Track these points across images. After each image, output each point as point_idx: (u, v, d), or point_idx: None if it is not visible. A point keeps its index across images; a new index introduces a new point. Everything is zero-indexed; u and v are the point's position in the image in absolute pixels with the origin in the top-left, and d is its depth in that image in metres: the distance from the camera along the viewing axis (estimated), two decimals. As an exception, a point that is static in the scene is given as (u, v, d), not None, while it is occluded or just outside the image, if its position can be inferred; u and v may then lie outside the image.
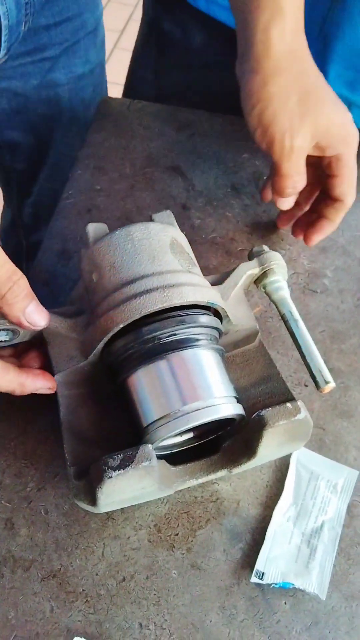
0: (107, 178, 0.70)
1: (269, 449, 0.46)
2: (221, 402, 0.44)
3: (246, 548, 0.48)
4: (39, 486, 0.49)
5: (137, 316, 0.44)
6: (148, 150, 0.74)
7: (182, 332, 0.45)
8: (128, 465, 0.40)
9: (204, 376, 0.45)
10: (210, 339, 0.47)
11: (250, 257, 0.54)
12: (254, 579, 0.47)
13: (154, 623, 0.45)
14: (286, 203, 0.60)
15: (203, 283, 0.48)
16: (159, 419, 0.43)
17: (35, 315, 0.44)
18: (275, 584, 0.47)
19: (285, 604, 0.46)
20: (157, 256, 0.47)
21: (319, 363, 0.48)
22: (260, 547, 0.48)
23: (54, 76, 0.82)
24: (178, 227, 0.52)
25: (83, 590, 0.45)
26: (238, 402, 0.46)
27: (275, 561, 0.48)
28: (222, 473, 0.48)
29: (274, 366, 0.52)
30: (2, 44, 0.65)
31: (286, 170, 0.55)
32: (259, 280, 0.53)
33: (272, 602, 0.46)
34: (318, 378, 0.47)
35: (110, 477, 0.40)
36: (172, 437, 0.47)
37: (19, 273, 0.43)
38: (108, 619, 0.44)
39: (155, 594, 0.46)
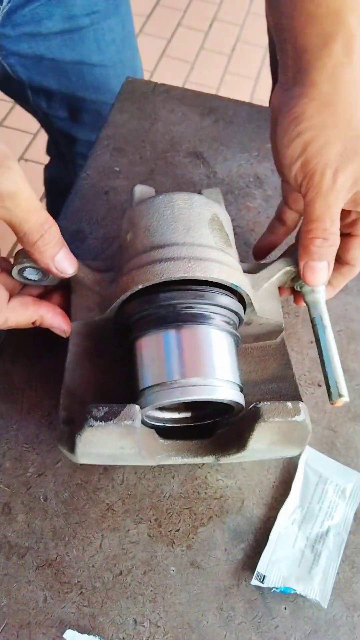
0: (127, 160, 0.69)
1: (259, 445, 0.44)
2: (221, 385, 0.43)
3: (248, 549, 0.47)
4: (39, 472, 0.48)
5: (157, 280, 0.43)
6: (170, 134, 0.72)
7: (199, 307, 0.44)
8: (110, 420, 0.40)
9: (210, 355, 0.44)
10: (228, 322, 0.46)
11: (292, 254, 0.51)
12: (254, 582, 0.45)
13: (149, 620, 0.43)
14: (317, 273, 0.47)
15: (233, 264, 0.46)
16: (154, 385, 0.43)
17: (64, 263, 0.45)
18: (276, 588, 0.45)
19: (285, 609, 0.45)
20: (193, 228, 0.46)
21: (338, 374, 0.45)
22: (263, 549, 0.46)
23: (76, 18, 0.79)
24: (224, 207, 0.51)
25: (78, 581, 0.44)
26: (241, 391, 0.45)
27: (277, 564, 0.46)
28: (209, 459, 0.47)
29: (290, 367, 0.50)
30: None
31: (319, 212, 0.45)
32: (296, 278, 0.51)
33: (272, 606, 0.45)
34: (332, 389, 0.45)
35: (91, 426, 0.40)
36: (168, 412, 0.47)
37: (51, 221, 0.44)
38: (102, 613, 0.43)
39: (152, 590, 0.44)
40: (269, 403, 0.43)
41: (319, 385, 0.56)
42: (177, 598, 0.44)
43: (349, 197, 0.46)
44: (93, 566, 0.45)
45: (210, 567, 0.46)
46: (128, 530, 0.46)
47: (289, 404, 0.43)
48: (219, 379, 0.43)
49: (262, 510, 0.49)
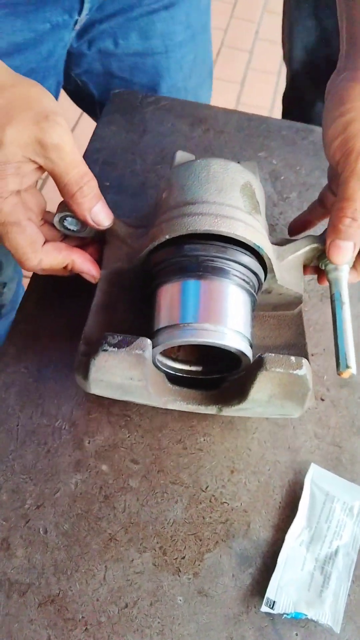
0: (117, 174, 0.67)
1: (260, 395, 0.45)
2: (230, 334, 0.45)
3: (256, 573, 0.46)
4: (38, 503, 0.47)
5: (183, 232, 0.45)
6: (160, 145, 0.71)
7: (221, 261, 0.46)
8: (123, 347, 0.43)
9: (224, 306, 0.46)
10: (246, 281, 0.47)
11: (322, 234, 0.52)
12: (264, 608, 0.44)
13: (157, 654, 0.42)
14: (343, 252, 0.47)
15: (259, 228, 0.48)
16: (167, 327, 0.45)
17: (100, 215, 0.48)
18: (287, 614, 0.44)
19: (297, 635, 0.44)
20: (225, 190, 0.48)
21: (349, 346, 0.46)
22: (272, 573, 0.45)
23: (152, 43, 0.79)
24: (259, 179, 0.53)
25: (82, 617, 0.42)
26: (250, 346, 0.46)
27: (287, 588, 0.45)
28: (213, 410, 0.48)
29: (304, 337, 0.52)
30: (85, 4, 0.69)
31: (352, 191, 0.46)
32: (322, 257, 0.51)
33: (283, 633, 0.44)
34: (341, 360, 0.45)
35: (105, 350, 0.43)
36: (180, 363, 0.50)
37: (90, 174, 0.46)
38: (108, 649, 0.42)
39: (159, 622, 0.43)
40: (273, 354, 0.44)
41: (322, 400, 0.54)
42: (185, 629, 0.43)
43: None
44: (97, 600, 0.43)
45: (219, 594, 0.44)
46: (132, 560, 0.45)
47: (292, 358, 0.44)
48: (230, 328, 0.45)
49: (269, 532, 0.47)
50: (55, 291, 0.57)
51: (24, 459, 0.48)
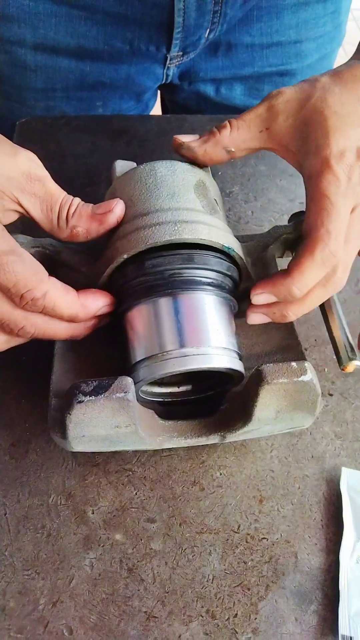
0: (46, 207, 0.61)
1: (266, 413, 0.41)
2: (216, 353, 0.40)
3: (321, 609, 0.40)
4: (53, 600, 0.39)
5: (143, 247, 0.40)
6: (85, 167, 0.65)
7: (189, 272, 0.41)
8: (101, 393, 0.37)
9: (203, 323, 0.41)
10: (221, 287, 0.43)
11: (290, 221, 0.49)
12: (341, 648, 0.38)
13: None
14: (260, 318, 0.44)
15: (223, 227, 0.43)
16: (145, 359, 0.40)
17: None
18: (368, 647, 0.38)
19: (383, 666, 0.38)
20: (178, 193, 0.43)
21: (345, 335, 0.43)
22: (338, 604, 0.39)
23: (254, 103, 0.75)
24: (211, 173, 0.48)
25: None
26: (239, 359, 0.42)
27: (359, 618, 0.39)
28: (215, 439, 0.43)
29: (296, 337, 0.47)
30: (174, 41, 0.65)
31: (304, 266, 0.40)
32: (294, 246, 0.47)
33: (368, 668, 0.38)
34: (342, 353, 0.42)
35: (80, 402, 0.37)
36: (166, 386, 0.45)
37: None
38: None
39: None
40: (271, 364, 0.40)
41: (330, 395, 0.50)
42: None
43: None
44: None
45: (286, 647, 0.38)
46: (180, 636, 0.38)
47: (294, 363, 0.40)
48: (215, 346, 0.40)
49: (320, 557, 0.42)
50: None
51: (23, 552, 0.41)
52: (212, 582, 0.40)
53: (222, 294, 0.42)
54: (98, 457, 0.45)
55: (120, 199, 0.43)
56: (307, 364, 0.40)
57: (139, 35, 0.65)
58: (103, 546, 0.41)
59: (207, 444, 0.46)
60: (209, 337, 0.40)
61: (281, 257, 0.48)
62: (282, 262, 0.46)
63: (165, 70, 0.70)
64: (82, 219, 0.41)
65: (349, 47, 0.66)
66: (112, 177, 0.49)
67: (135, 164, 0.49)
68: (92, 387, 0.38)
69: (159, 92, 0.80)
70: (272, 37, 0.69)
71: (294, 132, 0.42)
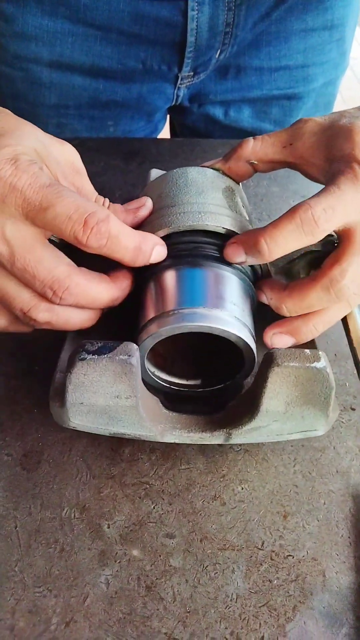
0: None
1: (275, 404, 0.39)
2: (228, 319, 0.38)
3: (352, 632, 0.37)
4: (66, 619, 0.36)
5: (166, 231, 0.41)
6: (98, 186, 0.64)
7: (213, 248, 0.41)
8: (105, 354, 0.37)
9: (221, 291, 0.40)
10: (244, 272, 0.42)
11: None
12: (376, 673, 0.35)
13: None
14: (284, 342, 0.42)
15: (249, 225, 0.44)
16: (155, 317, 0.39)
17: None
18: None
19: None
20: (206, 192, 0.44)
21: None
22: (370, 627, 0.37)
23: (263, 125, 0.77)
24: (242, 190, 0.49)
25: None
26: (252, 337, 0.40)
27: (393, 640, 0.36)
28: (220, 436, 0.41)
29: (313, 344, 0.44)
30: (186, 60, 0.67)
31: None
32: (317, 261, 0.45)
33: None
34: None
35: (83, 359, 0.36)
36: (176, 376, 0.43)
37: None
38: None
39: None
40: (284, 349, 0.39)
41: (353, 409, 0.48)
42: None
43: None
44: None
45: (317, 672, 0.36)
46: (203, 660, 0.35)
47: (307, 350, 0.38)
48: (228, 313, 0.39)
49: (350, 576, 0.39)
50: (17, 346, 0.48)
51: (35, 567, 0.38)
52: (236, 602, 0.38)
53: (243, 276, 0.42)
54: (114, 469, 0.43)
55: (151, 196, 0.45)
56: (321, 353, 0.39)
57: (152, 54, 0.66)
58: (119, 562, 0.39)
59: (228, 456, 0.44)
60: (224, 304, 0.39)
61: (306, 275, 0.47)
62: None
63: (175, 91, 0.72)
64: (116, 213, 0.42)
65: (346, 93, 0.68)
66: (146, 182, 0.50)
67: None
68: (96, 347, 0.37)
69: (168, 115, 0.82)
70: (281, 61, 0.71)
71: (319, 146, 0.42)
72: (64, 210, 0.35)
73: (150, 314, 0.40)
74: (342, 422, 0.47)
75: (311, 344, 0.44)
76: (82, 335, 0.43)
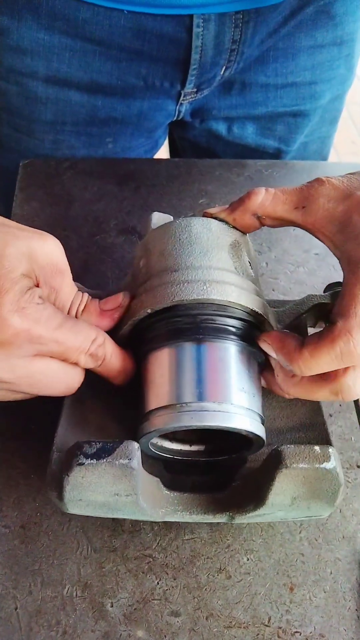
0: (51, 256, 0.58)
1: (281, 499, 0.38)
2: (238, 412, 0.38)
3: None
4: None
5: (168, 304, 0.39)
6: (93, 214, 0.62)
7: (220, 320, 0.39)
8: (104, 458, 0.35)
9: (227, 377, 0.39)
10: (250, 343, 0.40)
11: (325, 291, 0.47)
12: None
13: None
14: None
15: (254, 291, 0.41)
16: (160, 408, 0.38)
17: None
18: None
19: None
20: (211, 251, 0.41)
21: None
22: None
23: (266, 143, 0.74)
24: (249, 240, 0.46)
25: None
26: (262, 423, 0.40)
27: None
28: (223, 518, 0.40)
29: (321, 414, 0.44)
30: (189, 77, 0.64)
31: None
32: (328, 317, 0.43)
33: None
34: None
35: (81, 464, 0.35)
36: (178, 443, 0.42)
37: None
38: None
39: None
40: (292, 446, 0.37)
41: (359, 466, 0.47)
42: None
43: None
44: None
45: None
46: None
47: (317, 447, 0.37)
48: (237, 405, 0.38)
49: (358, 654, 0.39)
50: (13, 402, 0.46)
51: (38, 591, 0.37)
52: None
53: (249, 347, 0.40)
54: (115, 541, 0.42)
55: (152, 251, 0.43)
56: (331, 450, 0.37)
57: (153, 71, 0.63)
58: (124, 645, 0.38)
59: (232, 526, 0.43)
60: (231, 394, 0.38)
61: (313, 326, 0.45)
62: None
63: (177, 107, 0.68)
64: (91, 316, 0.41)
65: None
66: (147, 229, 0.47)
67: (171, 217, 0.47)
68: (94, 450, 0.35)
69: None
70: (287, 78, 0.68)
71: (333, 217, 0.39)
72: (74, 345, 0.38)
73: (153, 402, 0.38)
74: (349, 481, 0.46)
75: (322, 429, 0.43)
76: (79, 402, 0.41)
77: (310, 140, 0.77)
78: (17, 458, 0.45)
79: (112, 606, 0.39)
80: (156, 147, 0.77)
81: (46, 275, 0.38)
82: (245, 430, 0.38)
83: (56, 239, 0.40)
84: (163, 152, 0.87)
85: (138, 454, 0.36)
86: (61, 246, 0.40)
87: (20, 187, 0.64)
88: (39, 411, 0.47)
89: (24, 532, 0.41)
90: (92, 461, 0.35)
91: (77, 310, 0.40)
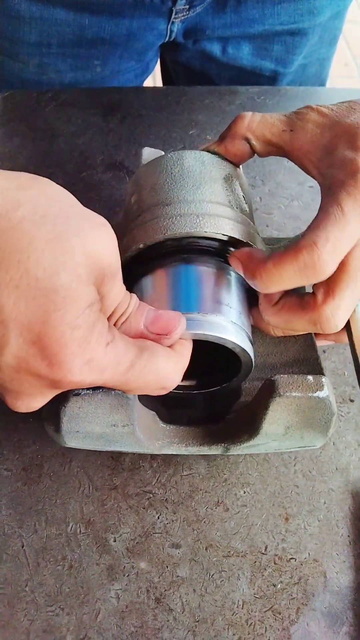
0: (38, 195, 0.56)
1: (275, 428, 0.39)
2: (225, 324, 0.37)
3: (352, 630, 0.39)
4: (80, 636, 0.38)
5: (161, 238, 0.38)
6: (78, 149, 0.59)
7: (207, 242, 0.39)
8: (99, 388, 0.35)
9: (216, 293, 0.38)
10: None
11: None
12: (375, 670, 0.38)
13: None
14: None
15: (248, 225, 0.40)
16: None
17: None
18: None
19: None
20: (204, 185, 0.40)
21: None
22: (369, 625, 0.39)
23: (262, 64, 0.70)
24: (243, 174, 0.45)
25: None
26: (250, 341, 0.39)
27: (390, 635, 0.39)
28: (217, 450, 0.41)
29: (315, 349, 0.44)
30: None
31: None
32: None
33: None
34: None
35: (77, 395, 0.36)
36: None
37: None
38: None
39: None
40: (286, 375, 0.38)
41: (352, 401, 0.48)
42: None
43: None
44: None
45: (320, 671, 0.38)
46: (213, 668, 0.37)
47: (310, 377, 0.38)
48: (224, 317, 0.37)
49: (349, 576, 0.41)
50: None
51: (45, 586, 0.39)
52: (242, 608, 0.39)
53: (236, 273, 0.39)
54: (116, 479, 0.43)
55: (143, 187, 0.41)
56: (324, 379, 0.38)
57: None
58: (128, 576, 0.40)
59: (229, 459, 0.44)
60: (220, 308, 0.37)
61: None
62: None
63: (169, 26, 0.64)
64: (131, 330, 0.33)
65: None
66: (139, 163, 0.46)
67: (162, 152, 0.45)
68: None
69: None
70: None
71: (320, 142, 0.38)
72: (140, 386, 0.33)
73: None
74: (341, 415, 0.47)
75: (315, 364, 0.43)
76: None
77: (308, 63, 0.73)
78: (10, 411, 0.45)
79: (115, 541, 0.41)
80: (147, 71, 0.73)
81: (97, 281, 0.30)
82: (231, 342, 0.37)
83: (108, 224, 0.31)
84: (157, 81, 0.83)
85: None
86: (113, 233, 0.31)
87: (1, 122, 0.61)
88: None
89: (26, 474, 0.42)
90: (88, 391, 0.35)
91: (119, 318, 0.33)
